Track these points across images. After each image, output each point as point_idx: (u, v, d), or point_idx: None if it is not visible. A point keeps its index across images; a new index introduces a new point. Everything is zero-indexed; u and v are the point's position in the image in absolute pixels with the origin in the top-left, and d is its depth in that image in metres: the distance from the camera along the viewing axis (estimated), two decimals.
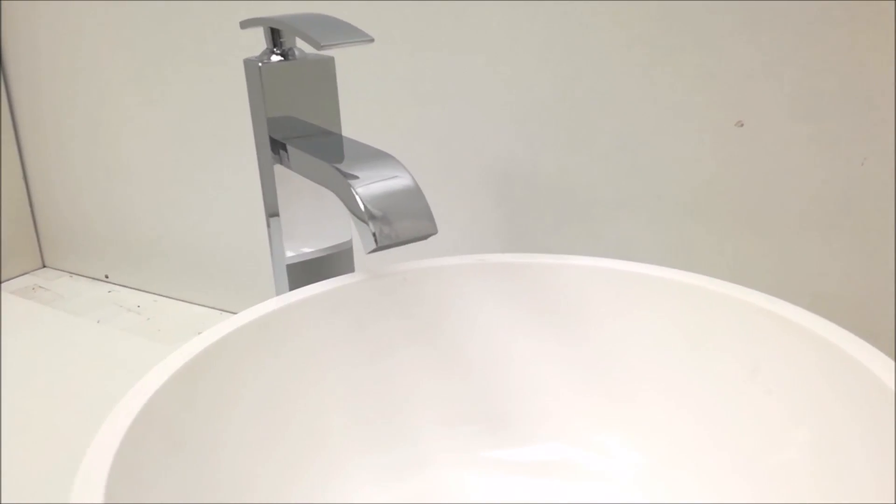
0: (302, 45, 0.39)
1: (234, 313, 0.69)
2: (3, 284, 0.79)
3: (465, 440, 0.40)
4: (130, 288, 0.77)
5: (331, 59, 0.38)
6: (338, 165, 0.33)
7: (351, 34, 0.32)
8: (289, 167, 0.37)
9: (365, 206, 0.31)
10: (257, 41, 0.57)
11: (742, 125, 0.43)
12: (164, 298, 0.74)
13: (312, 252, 0.41)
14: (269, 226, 0.41)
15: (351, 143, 0.37)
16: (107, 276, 0.79)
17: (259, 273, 0.66)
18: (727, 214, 0.44)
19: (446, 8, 0.49)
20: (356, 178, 0.32)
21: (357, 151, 0.35)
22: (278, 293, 0.43)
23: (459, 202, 0.53)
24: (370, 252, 0.31)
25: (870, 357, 0.29)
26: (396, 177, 0.33)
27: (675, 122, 0.44)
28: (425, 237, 0.32)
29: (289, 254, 0.41)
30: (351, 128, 0.56)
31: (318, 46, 0.32)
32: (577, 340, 0.40)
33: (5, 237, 0.79)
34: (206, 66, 0.61)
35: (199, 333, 0.66)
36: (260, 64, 0.36)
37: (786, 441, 0.32)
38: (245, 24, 0.38)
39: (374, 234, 0.31)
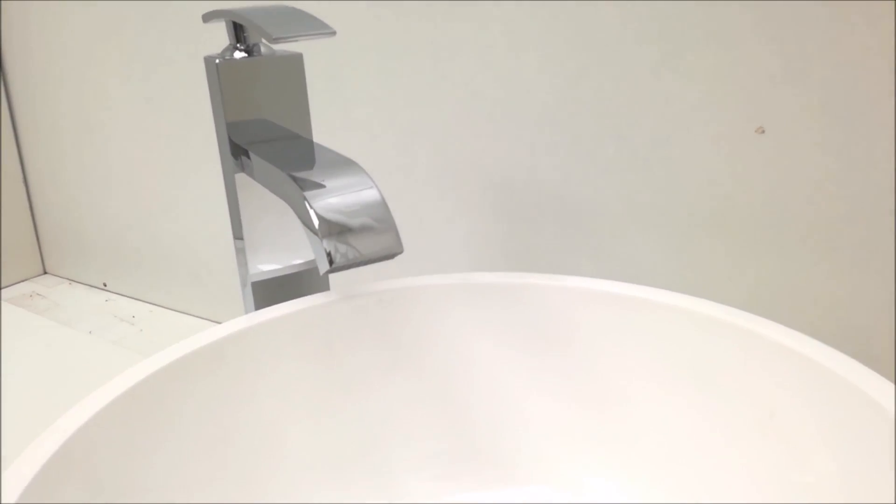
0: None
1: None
2: (1, 291, 0.77)
3: (445, 482, 0.36)
4: (127, 297, 0.74)
5: (298, 56, 0.34)
6: (295, 174, 0.29)
7: (310, 27, 0.29)
8: (251, 176, 0.34)
9: (319, 221, 0.27)
10: None
11: (763, 132, 0.38)
12: (160, 308, 0.71)
13: (281, 268, 0.37)
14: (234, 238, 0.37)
15: (317, 149, 0.33)
16: (105, 285, 0.76)
17: None
18: (747, 231, 0.40)
19: (443, 6, 0.45)
20: (313, 188, 0.29)
21: (320, 158, 0.32)
22: (247, 313, 0.39)
23: (455, 212, 0.49)
24: (325, 273, 0.27)
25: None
26: (359, 188, 0.29)
27: (689, 129, 0.40)
28: (389, 257, 0.28)
29: (258, 269, 0.37)
30: (340, 131, 0.52)
31: (271, 40, 0.28)
32: (570, 372, 0.36)
33: (6, 243, 0.77)
34: (203, 70, 0.59)
35: None
36: (217, 61, 0.33)
37: (804, 497, 0.28)
38: (207, 18, 0.34)
39: (328, 253, 0.27)
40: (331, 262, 0.27)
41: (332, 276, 0.46)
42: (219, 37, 0.56)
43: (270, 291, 0.37)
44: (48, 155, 0.75)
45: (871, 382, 0.26)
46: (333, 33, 0.29)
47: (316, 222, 0.27)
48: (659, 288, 0.34)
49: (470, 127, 0.47)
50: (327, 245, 0.27)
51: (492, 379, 0.37)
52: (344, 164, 0.31)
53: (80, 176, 0.73)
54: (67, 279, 0.80)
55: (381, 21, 0.48)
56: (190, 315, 0.69)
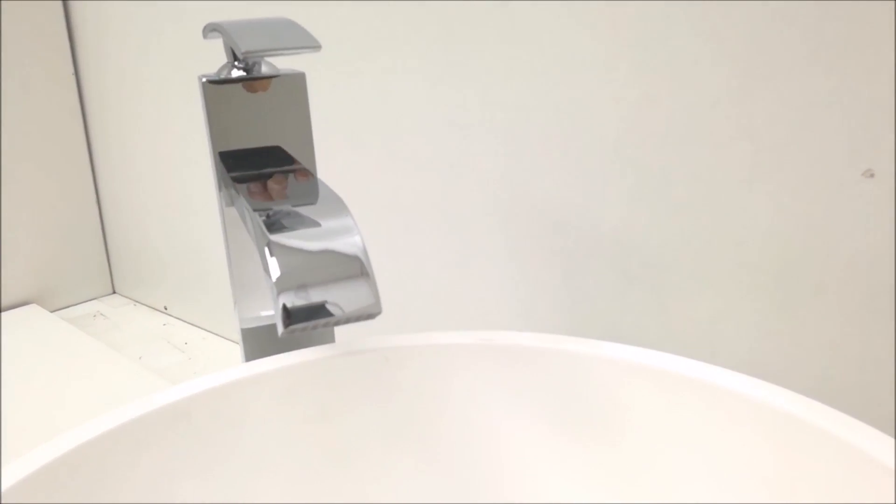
0: (278, 59, 0.32)
1: None
2: (67, 310, 0.77)
3: None
4: (185, 322, 0.73)
5: (300, 76, 0.30)
6: (265, 213, 0.25)
7: (288, 40, 0.24)
8: (240, 213, 0.30)
9: (277, 273, 0.22)
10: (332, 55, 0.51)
11: (872, 175, 0.30)
12: (214, 336, 0.69)
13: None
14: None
15: (308, 185, 0.28)
16: (166, 308, 0.75)
17: None
18: (854, 298, 0.32)
19: (494, 27, 0.40)
20: (281, 231, 0.24)
21: (305, 196, 0.27)
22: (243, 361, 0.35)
23: (503, 253, 0.44)
24: (282, 334, 0.22)
25: None
26: (338, 235, 0.24)
27: (778, 169, 0.33)
28: (364, 318, 0.23)
29: (254, 314, 0.33)
30: (384, 161, 0.47)
31: (240, 53, 0.24)
32: (606, 461, 0.29)
33: (79, 262, 0.78)
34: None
35: None
36: (204, 80, 0.29)
37: None
38: (205, 32, 0.30)
39: (284, 310, 0.22)
40: (284, 322, 0.22)
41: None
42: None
43: (264, 340, 0.33)
44: (121, 176, 0.75)
45: None
46: (317, 48, 0.24)
47: (273, 274, 0.22)
48: (734, 358, 0.27)
49: (520, 160, 0.41)
50: (285, 300, 0.22)
51: (509, 459, 0.31)
52: (329, 205, 0.26)
53: (150, 199, 0.72)
54: (133, 300, 0.79)
55: (426, 42, 0.43)
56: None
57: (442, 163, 0.45)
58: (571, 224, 0.40)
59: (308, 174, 0.29)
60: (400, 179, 0.47)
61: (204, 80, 0.29)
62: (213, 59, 0.58)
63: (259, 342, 0.33)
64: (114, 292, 0.82)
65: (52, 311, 0.76)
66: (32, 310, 0.73)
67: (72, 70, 0.74)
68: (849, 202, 0.31)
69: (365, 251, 0.23)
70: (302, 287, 0.22)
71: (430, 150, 0.45)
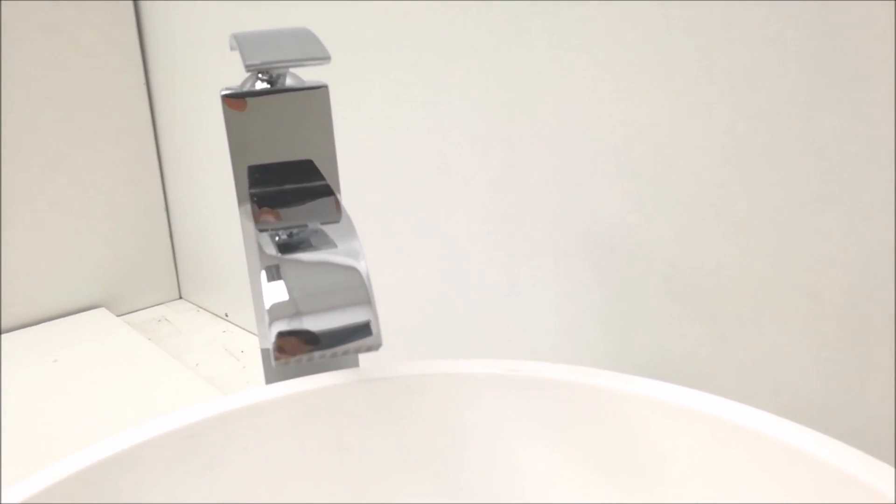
0: (301, 70, 0.31)
1: None
2: (134, 314, 0.79)
3: None
4: (243, 329, 0.73)
5: (323, 90, 0.28)
6: (269, 233, 0.23)
7: (296, 52, 0.23)
8: (255, 223, 0.29)
9: (273, 301, 0.21)
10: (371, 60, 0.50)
11: None
12: None
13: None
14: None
15: (320, 205, 0.27)
16: (226, 315, 0.76)
17: None
18: None
19: (545, 39, 0.38)
20: (283, 253, 0.22)
21: (314, 215, 0.25)
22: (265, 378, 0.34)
23: (550, 274, 0.41)
24: (275, 365, 0.21)
25: None
26: (341, 260, 0.22)
27: (849, 192, 0.29)
28: (362, 350, 0.21)
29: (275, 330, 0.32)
30: (432, 173, 0.46)
31: (245, 66, 0.22)
32: (622, 490, 0.26)
33: (147, 268, 0.79)
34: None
35: None
36: (222, 93, 0.28)
37: None
38: (231, 43, 0.30)
39: (274, 345, 0.21)
40: (275, 355, 0.21)
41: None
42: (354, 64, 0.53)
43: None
44: (188, 182, 0.76)
45: None
46: (327, 60, 0.23)
47: (267, 301, 0.21)
48: (797, 399, 0.24)
49: (570, 173, 0.39)
50: (278, 329, 0.21)
51: (534, 496, 0.28)
52: (338, 227, 0.24)
53: (214, 206, 0.73)
54: (197, 306, 0.81)
55: (478, 51, 0.41)
56: None
57: (491, 172, 0.43)
58: (623, 245, 0.38)
59: (328, 191, 0.28)
60: (447, 188, 0.46)
61: (222, 93, 0.28)
62: None
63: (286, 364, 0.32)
64: (180, 297, 0.83)
65: (118, 316, 0.77)
66: (100, 313, 0.75)
67: (143, 77, 0.75)
68: None
69: (368, 279, 0.22)
70: (297, 316, 0.21)
71: (475, 164, 0.43)
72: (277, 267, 0.22)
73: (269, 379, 0.32)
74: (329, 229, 0.24)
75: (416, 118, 0.46)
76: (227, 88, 0.29)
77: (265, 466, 0.28)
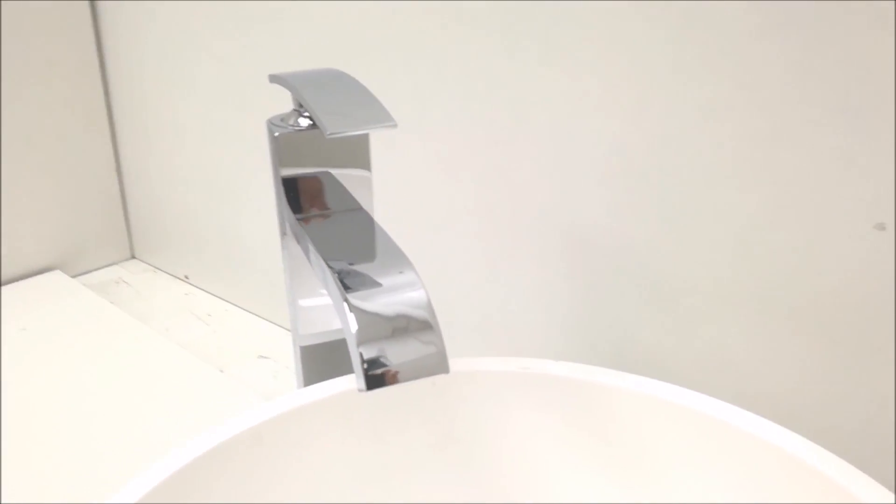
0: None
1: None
2: (88, 275, 0.80)
3: None
4: (206, 292, 0.75)
5: (364, 136, 0.32)
6: (341, 275, 0.27)
7: (369, 120, 0.26)
8: (305, 252, 0.32)
9: (359, 348, 0.25)
10: (354, 49, 0.52)
11: (884, 228, 0.33)
12: (236, 309, 0.72)
13: (332, 332, 0.36)
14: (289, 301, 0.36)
15: (372, 236, 0.31)
16: (186, 277, 0.78)
17: None
18: (857, 336, 0.35)
19: (535, 56, 0.42)
20: (356, 297, 0.26)
21: (373, 254, 0.29)
22: (297, 378, 0.38)
23: (529, 264, 0.46)
24: (362, 391, 0.25)
25: None
26: (409, 305, 0.27)
27: (799, 214, 0.35)
28: (431, 375, 0.26)
29: (310, 330, 0.36)
30: (405, 170, 0.50)
31: (326, 134, 0.26)
32: (623, 479, 0.33)
33: (97, 226, 0.79)
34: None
35: (259, 356, 0.64)
36: (276, 133, 0.31)
37: None
38: (273, 79, 0.32)
39: (364, 378, 0.25)
40: (367, 386, 0.25)
41: None
42: (315, 41, 0.55)
43: (320, 359, 0.36)
44: (141, 141, 0.76)
45: None
46: (394, 125, 0.26)
47: (357, 342, 0.25)
48: (740, 379, 0.31)
49: (552, 178, 0.43)
50: (367, 364, 0.25)
51: (546, 477, 0.34)
52: (394, 258, 0.28)
53: (171, 164, 0.73)
54: (153, 266, 0.82)
55: (469, 61, 0.45)
56: (264, 319, 0.69)
57: (472, 175, 0.47)
58: (598, 245, 0.43)
59: (367, 219, 0.32)
60: (430, 186, 0.50)
61: (276, 133, 0.31)
62: (232, 30, 0.59)
63: (315, 360, 0.36)
64: (133, 257, 0.84)
65: (72, 277, 0.78)
66: (56, 276, 0.76)
67: (94, 39, 0.74)
68: (858, 251, 0.34)
69: (431, 307, 0.26)
70: (381, 352, 0.25)
71: (461, 162, 0.47)
72: (356, 306, 0.26)
73: (307, 373, 0.36)
74: (386, 260, 0.28)
75: (408, 118, 0.49)
76: (276, 127, 0.32)
77: (316, 461, 0.32)
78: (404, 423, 0.34)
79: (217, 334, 0.67)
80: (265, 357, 0.63)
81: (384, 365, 0.25)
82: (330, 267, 0.28)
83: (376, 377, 0.25)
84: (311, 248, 0.30)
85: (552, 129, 0.42)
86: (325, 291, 0.36)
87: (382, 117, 0.26)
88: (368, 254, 0.30)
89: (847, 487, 0.26)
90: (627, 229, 0.41)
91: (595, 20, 0.39)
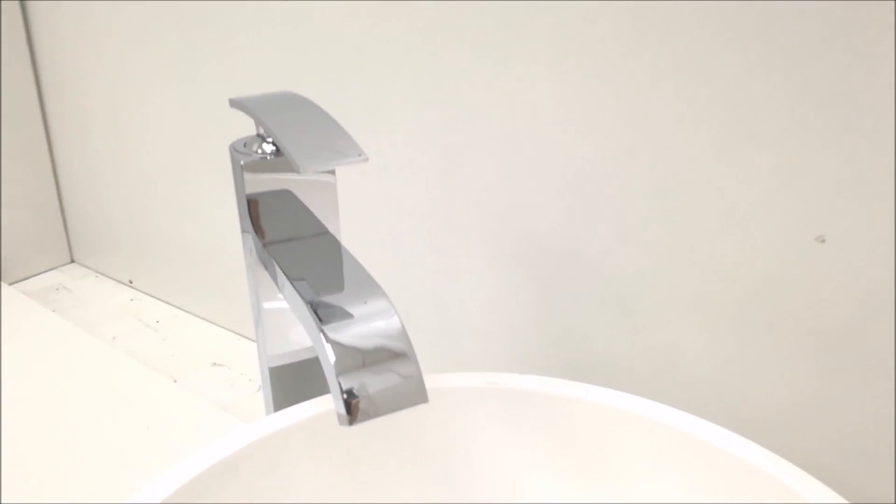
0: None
1: (249, 339, 0.66)
2: (28, 281, 0.77)
3: None
4: (152, 297, 0.74)
5: (331, 180, 0.32)
6: (316, 308, 0.28)
7: (340, 152, 0.26)
8: (273, 278, 0.32)
9: (338, 379, 0.26)
10: (291, 43, 0.52)
11: (824, 241, 0.35)
12: (185, 314, 0.71)
13: (302, 351, 0.36)
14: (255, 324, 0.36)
15: (341, 262, 0.31)
16: (131, 282, 0.76)
17: None
18: (796, 337, 0.37)
19: (487, 63, 0.42)
20: (332, 329, 0.27)
21: (344, 282, 0.30)
22: (266, 398, 0.38)
23: (489, 269, 0.47)
24: (343, 423, 0.26)
25: None
26: (385, 334, 0.27)
27: (744, 226, 0.37)
28: (410, 406, 0.27)
29: (278, 351, 0.36)
30: (373, 177, 0.50)
31: (298, 170, 0.26)
32: (591, 488, 0.34)
33: (33, 230, 0.77)
34: (236, 75, 0.56)
35: (213, 364, 0.63)
36: (242, 162, 0.31)
37: None
38: (233, 104, 0.32)
39: (346, 415, 0.26)
40: (350, 421, 0.25)
41: None
42: (248, 40, 0.54)
43: (287, 378, 0.36)
44: (78, 143, 0.74)
45: None
46: (366, 160, 0.27)
47: (338, 382, 0.26)
48: (694, 378, 0.32)
49: (505, 186, 0.44)
50: (348, 397, 0.26)
51: (516, 491, 0.35)
52: (368, 296, 0.29)
53: (110, 166, 0.71)
54: (94, 271, 0.80)
55: (421, 59, 0.45)
56: (214, 324, 0.69)
57: (429, 183, 0.48)
58: (553, 249, 0.44)
59: (335, 246, 0.32)
60: (389, 193, 0.50)
61: (242, 162, 0.31)
62: (165, 27, 0.58)
63: (282, 380, 0.36)
64: (73, 261, 0.82)
65: (10, 284, 0.75)
66: None
67: (26, 41, 0.71)
68: (802, 261, 0.36)
69: (407, 336, 0.27)
70: (361, 384, 0.26)
71: (415, 166, 0.48)
72: (334, 339, 0.26)
73: (276, 394, 0.36)
74: (358, 290, 0.29)
75: (364, 124, 0.49)
76: (241, 155, 0.32)
77: (291, 482, 0.33)
78: (376, 441, 0.34)
79: (167, 342, 0.66)
80: (219, 365, 0.63)
81: (365, 397, 0.26)
82: (303, 298, 0.28)
83: (359, 411, 0.26)
84: (283, 277, 0.30)
85: (509, 140, 0.43)
86: (292, 313, 0.36)
87: (352, 151, 0.27)
88: (339, 281, 0.30)
89: (793, 487, 0.28)
90: (582, 237, 0.43)
91: (550, 33, 0.40)
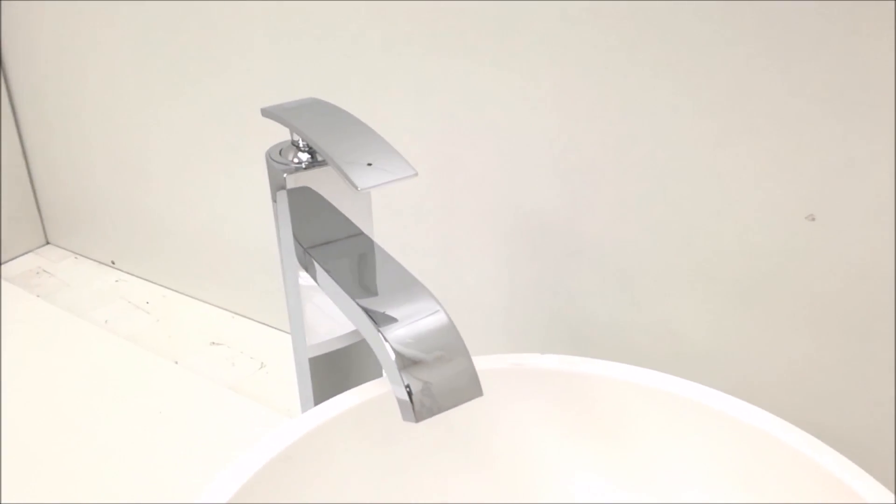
0: None
1: (244, 316, 0.67)
2: (5, 266, 0.76)
3: None
4: (138, 277, 0.74)
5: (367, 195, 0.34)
6: (367, 306, 0.30)
7: (394, 169, 0.28)
8: (314, 279, 0.34)
9: (402, 377, 0.28)
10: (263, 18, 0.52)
11: (814, 219, 0.39)
12: (174, 293, 0.71)
13: (337, 341, 0.38)
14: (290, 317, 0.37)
15: (381, 263, 0.33)
16: (113, 262, 0.76)
17: (270, 271, 0.62)
18: (789, 310, 0.41)
19: (496, 56, 0.44)
20: (389, 330, 0.29)
21: (388, 282, 0.32)
22: (301, 388, 0.40)
23: (491, 249, 0.50)
24: (407, 419, 0.28)
25: None
26: (438, 332, 0.29)
27: (740, 206, 0.40)
28: (469, 400, 0.29)
29: (313, 341, 0.38)
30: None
31: (357, 189, 0.27)
32: (613, 460, 0.37)
33: (6, 212, 0.75)
34: (218, 46, 0.56)
35: (211, 343, 0.64)
36: (285, 175, 0.32)
37: None
38: (266, 114, 0.33)
39: (413, 410, 0.28)
40: (416, 418, 0.28)
41: None
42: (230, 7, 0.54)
43: (325, 367, 0.38)
44: (46, 126, 0.72)
45: None
46: (415, 175, 0.28)
47: (402, 380, 0.28)
48: (694, 349, 0.36)
49: (505, 170, 0.46)
50: (415, 402, 0.28)
51: (542, 465, 0.38)
52: (416, 297, 0.31)
53: (85, 142, 0.70)
54: (73, 252, 0.79)
55: (426, 58, 0.46)
56: (207, 304, 0.69)
57: (434, 164, 0.49)
58: (554, 228, 0.47)
59: (371, 245, 0.34)
60: None
61: (285, 175, 0.32)
62: (127, 14, 0.57)
63: (322, 369, 0.38)
64: (48, 243, 0.81)
65: None
66: None
67: None
68: (793, 239, 0.39)
69: (458, 332, 0.29)
70: (423, 382, 0.28)
71: (420, 145, 0.49)
72: (392, 339, 0.29)
73: (316, 382, 0.38)
74: (410, 299, 0.31)
75: (359, 104, 0.50)
76: (284, 170, 0.33)
77: (340, 467, 0.35)
78: (411, 425, 0.37)
79: (161, 323, 0.67)
80: (218, 343, 0.64)
81: (428, 395, 0.28)
82: (357, 303, 0.30)
83: (424, 409, 0.28)
84: (330, 281, 0.32)
85: (511, 126, 0.45)
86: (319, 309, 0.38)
87: (403, 168, 0.28)
88: (385, 282, 0.32)
89: (801, 451, 0.32)
90: (582, 217, 0.45)
91: (551, 25, 0.41)
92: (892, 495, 0.30)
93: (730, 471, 0.34)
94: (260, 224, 0.61)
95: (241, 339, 0.64)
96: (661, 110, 0.40)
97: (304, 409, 0.40)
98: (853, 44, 0.34)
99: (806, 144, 0.37)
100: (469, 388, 0.29)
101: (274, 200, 0.34)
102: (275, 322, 0.65)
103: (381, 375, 0.41)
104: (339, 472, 0.35)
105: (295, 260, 0.35)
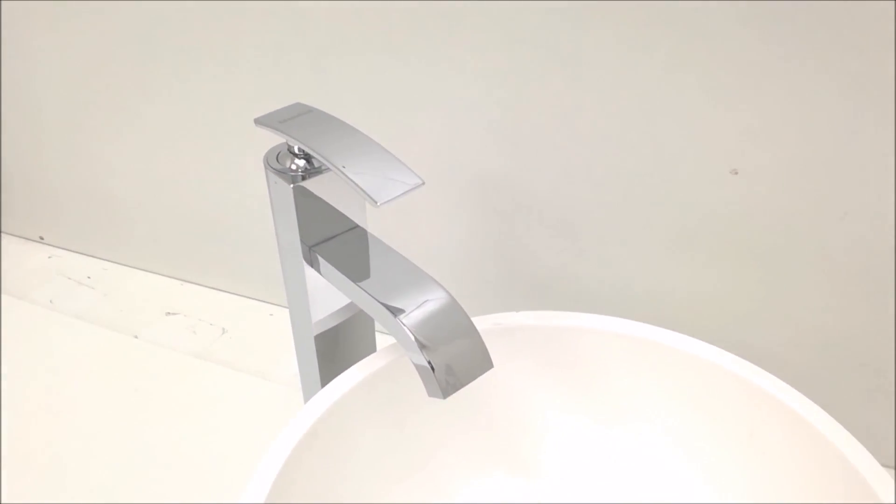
0: None
1: (194, 283, 0.68)
2: None
3: (490, 483, 0.44)
4: (73, 251, 0.73)
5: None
6: (382, 300, 0.34)
7: (403, 182, 0.31)
8: (319, 272, 0.37)
9: (426, 358, 0.32)
10: None
11: (737, 173, 0.45)
12: (115, 265, 0.71)
13: (335, 317, 0.42)
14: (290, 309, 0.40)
15: (382, 254, 0.36)
16: (42, 238, 0.74)
17: (217, 235, 0.64)
18: (721, 248, 0.48)
19: (446, 22, 0.46)
20: (406, 318, 0.33)
21: (393, 272, 0.35)
22: (302, 364, 0.43)
23: (453, 209, 0.53)
24: (433, 396, 0.33)
25: (846, 442, 0.35)
26: (448, 313, 0.34)
27: (673, 163, 0.46)
28: (483, 373, 0.34)
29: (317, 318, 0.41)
30: None
31: (376, 205, 0.31)
32: (591, 399, 0.44)
33: None
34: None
35: (167, 314, 0.65)
36: (292, 186, 0.35)
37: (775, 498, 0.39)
38: (259, 123, 0.35)
39: (440, 388, 0.32)
40: (443, 394, 0.32)
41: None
42: None
43: (330, 341, 0.42)
44: None
45: (823, 421, 0.36)
46: (423, 184, 0.32)
47: (426, 359, 0.32)
48: (637, 294, 0.42)
49: (463, 137, 0.50)
50: (439, 378, 0.32)
51: (534, 416, 0.44)
52: (424, 286, 0.35)
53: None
54: None
55: (378, 26, 0.48)
56: (152, 273, 0.70)
57: (391, 132, 0.52)
58: (505, 187, 0.51)
59: (369, 237, 0.37)
60: None
61: (292, 186, 0.35)
62: None
63: (327, 343, 0.41)
64: None
65: None
66: None
67: None
68: (720, 189, 0.46)
69: (464, 312, 0.33)
70: (444, 361, 0.32)
71: (375, 118, 0.52)
72: (413, 326, 0.33)
73: (321, 357, 0.41)
74: (419, 288, 0.35)
75: (305, 79, 0.52)
76: (285, 170, 0.35)
77: (357, 436, 0.39)
78: (414, 391, 0.41)
79: (109, 297, 0.67)
80: (173, 313, 0.65)
81: (450, 373, 0.33)
82: (372, 296, 0.34)
83: (449, 386, 0.32)
84: (341, 277, 0.35)
85: (461, 98, 0.48)
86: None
87: (412, 178, 0.32)
88: (389, 272, 0.36)
89: (733, 371, 0.39)
90: (534, 178, 0.50)
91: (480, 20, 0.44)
92: (811, 402, 0.38)
93: (686, 399, 0.41)
94: (199, 188, 0.61)
95: (197, 306, 0.65)
96: (601, 81, 0.45)
97: (307, 386, 0.44)
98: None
99: (727, 109, 0.43)
100: (483, 361, 0.34)
101: (278, 207, 0.36)
102: (228, 287, 0.67)
103: (373, 349, 0.45)
104: (360, 442, 0.39)
105: (299, 256, 0.37)
